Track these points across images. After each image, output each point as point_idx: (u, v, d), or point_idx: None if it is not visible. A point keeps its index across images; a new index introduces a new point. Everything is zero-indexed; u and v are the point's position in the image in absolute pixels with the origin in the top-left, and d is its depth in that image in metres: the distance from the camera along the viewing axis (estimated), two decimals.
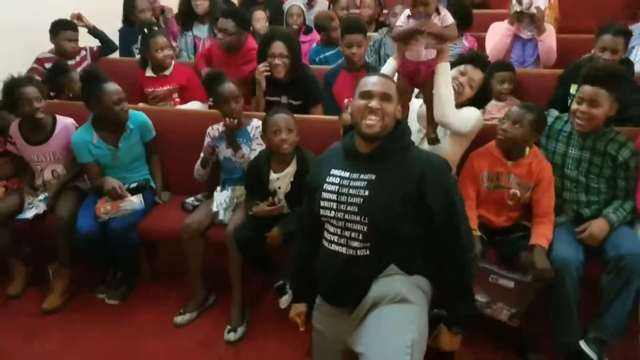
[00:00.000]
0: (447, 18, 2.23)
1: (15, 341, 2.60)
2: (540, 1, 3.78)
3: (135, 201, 2.76)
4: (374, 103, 1.84)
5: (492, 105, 3.30)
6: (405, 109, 2.40)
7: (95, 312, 2.79)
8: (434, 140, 2.38)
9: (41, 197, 2.90)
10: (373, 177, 1.83)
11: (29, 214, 2.84)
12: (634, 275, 2.21)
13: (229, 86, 2.69)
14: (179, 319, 2.69)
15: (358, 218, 1.81)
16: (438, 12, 2.22)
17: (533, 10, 3.73)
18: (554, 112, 2.60)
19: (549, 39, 3.88)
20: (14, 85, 2.82)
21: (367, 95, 1.87)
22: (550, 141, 2.53)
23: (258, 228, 2.53)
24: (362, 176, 1.84)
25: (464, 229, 1.93)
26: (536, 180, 2.41)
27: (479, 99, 2.54)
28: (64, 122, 3.01)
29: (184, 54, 4.38)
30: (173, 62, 3.57)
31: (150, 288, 2.97)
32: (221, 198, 2.71)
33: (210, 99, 3.05)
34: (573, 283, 2.25)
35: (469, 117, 2.41)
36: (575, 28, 5.49)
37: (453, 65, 2.47)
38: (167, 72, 3.55)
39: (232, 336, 2.58)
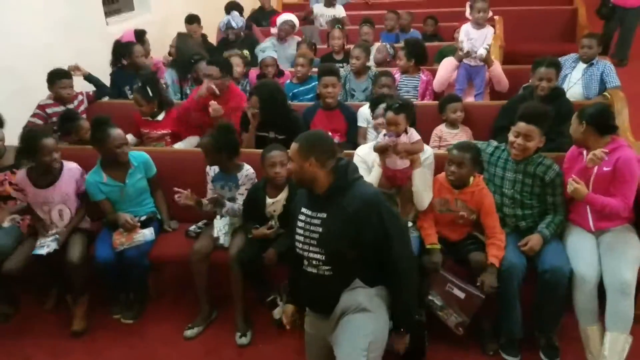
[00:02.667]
0: (414, 135, 2.92)
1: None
2: (481, 49, 4.37)
3: (148, 234, 3.18)
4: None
5: (447, 132, 3.86)
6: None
7: (113, 331, 3.19)
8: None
9: (51, 237, 3.17)
10: (324, 215, 2.21)
11: (43, 251, 3.10)
12: (557, 286, 2.75)
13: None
14: (189, 333, 3.10)
15: (317, 249, 2.23)
16: (406, 131, 2.89)
17: (476, 55, 4.36)
18: (494, 143, 3.15)
19: (497, 69, 4.50)
20: (35, 136, 3.15)
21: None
22: (491, 166, 3.07)
23: (256, 249, 3.01)
24: (318, 215, 2.22)
25: (403, 255, 2.21)
26: (478, 205, 2.93)
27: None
28: (69, 166, 3.31)
29: (170, 91, 4.81)
30: (164, 109, 3.99)
31: (158, 306, 3.38)
32: (221, 225, 3.15)
33: None
34: (517, 283, 2.78)
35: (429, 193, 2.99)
36: (519, 51, 6.19)
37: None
38: (160, 118, 3.98)
39: (244, 340, 3.02)
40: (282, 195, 3.05)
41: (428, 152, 3.05)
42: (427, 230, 2.95)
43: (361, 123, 3.88)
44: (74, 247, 3.18)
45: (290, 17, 5.70)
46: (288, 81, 4.65)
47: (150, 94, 3.87)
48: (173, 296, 3.45)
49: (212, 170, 3.27)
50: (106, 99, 4.55)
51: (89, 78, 4.41)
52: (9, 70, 4.24)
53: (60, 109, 4.10)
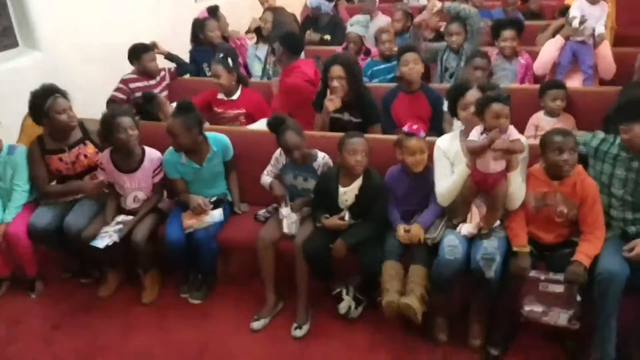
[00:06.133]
0: (513, 133, 2.54)
1: (114, 336, 3.01)
2: (599, 26, 3.89)
3: (216, 215, 3.10)
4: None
5: (545, 121, 3.45)
6: (467, 206, 2.71)
7: (180, 310, 3.16)
8: (487, 235, 2.64)
9: (114, 227, 3.12)
10: None
11: (101, 243, 3.03)
12: None
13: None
14: (255, 325, 2.97)
15: None
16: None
17: (590, 31, 3.88)
18: (600, 134, 2.74)
19: (605, 50, 3.99)
20: (111, 116, 3.12)
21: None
22: (597, 162, 2.68)
23: (324, 240, 2.84)
24: None
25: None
26: (581, 198, 2.57)
27: None
28: (152, 155, 3.26)
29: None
30: (240, 87, 3.88)
31: (226, 289, 3.31)
32: (285, 212, 2.99)
33: None
34: (615, 296, 2.42)
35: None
36: (633, 36, 5.49)
37: None
38: (235, 97, 3.86)
39: (298, 332, 2.88)
40: (356, 184, 2.84)
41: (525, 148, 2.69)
42: (515, 231, 2.62)
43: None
44: (141, 228, 3.14)
45: None
46: (369, 59, 4.39)
47: (231, 64, 3.78)
48: (241, 280, 3.37)
49: (282, 160, 3.12)
50: (187, 76, 4.55)
51: (169, 56, 4.44)
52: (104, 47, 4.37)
53: (143, 84, 4.15)
